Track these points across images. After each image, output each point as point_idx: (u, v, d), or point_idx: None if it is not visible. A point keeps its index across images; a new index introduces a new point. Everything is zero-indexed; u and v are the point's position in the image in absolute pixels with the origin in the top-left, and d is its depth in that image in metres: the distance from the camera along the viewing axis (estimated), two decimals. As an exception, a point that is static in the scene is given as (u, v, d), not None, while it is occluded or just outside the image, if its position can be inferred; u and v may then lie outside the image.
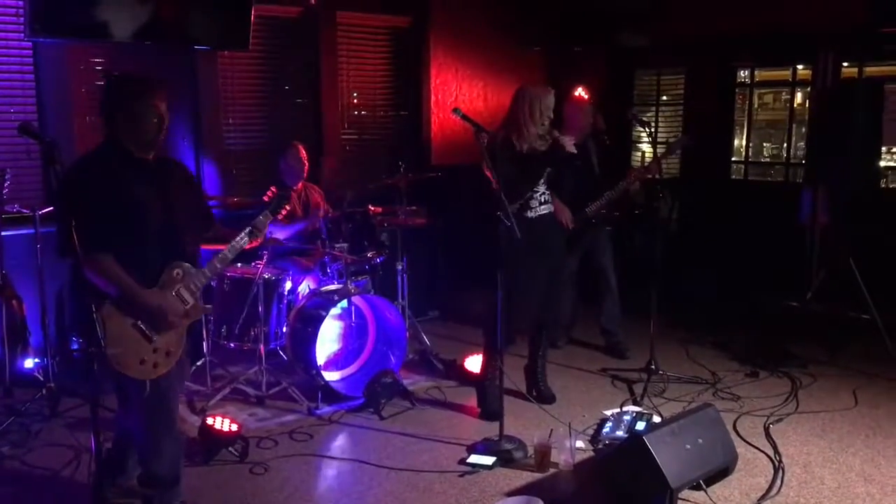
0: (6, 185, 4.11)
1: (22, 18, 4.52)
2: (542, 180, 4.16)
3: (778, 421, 4.19)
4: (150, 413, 2.90)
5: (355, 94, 6.35)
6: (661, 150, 5.15)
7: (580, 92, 5.25)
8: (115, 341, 2.74)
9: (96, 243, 2.68)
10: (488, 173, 3.82)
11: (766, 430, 4.07)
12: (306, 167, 5.09)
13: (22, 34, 4.57)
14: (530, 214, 4.13)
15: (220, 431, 3.70)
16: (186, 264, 2.92)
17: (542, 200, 4.21)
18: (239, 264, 4.72)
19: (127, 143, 2.83)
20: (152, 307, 2.79)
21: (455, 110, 3.80)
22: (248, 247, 3.20)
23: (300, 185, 5.10)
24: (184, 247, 2.94)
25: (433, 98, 6.66)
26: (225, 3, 5.14)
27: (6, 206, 4.18)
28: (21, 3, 4.51)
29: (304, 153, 5.07)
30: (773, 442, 3.91)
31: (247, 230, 3.13)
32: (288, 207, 3.36)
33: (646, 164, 5.44)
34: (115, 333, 2.74)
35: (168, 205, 2.88)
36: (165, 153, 3.06)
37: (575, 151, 4.12)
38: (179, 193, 2.96)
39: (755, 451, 3.84)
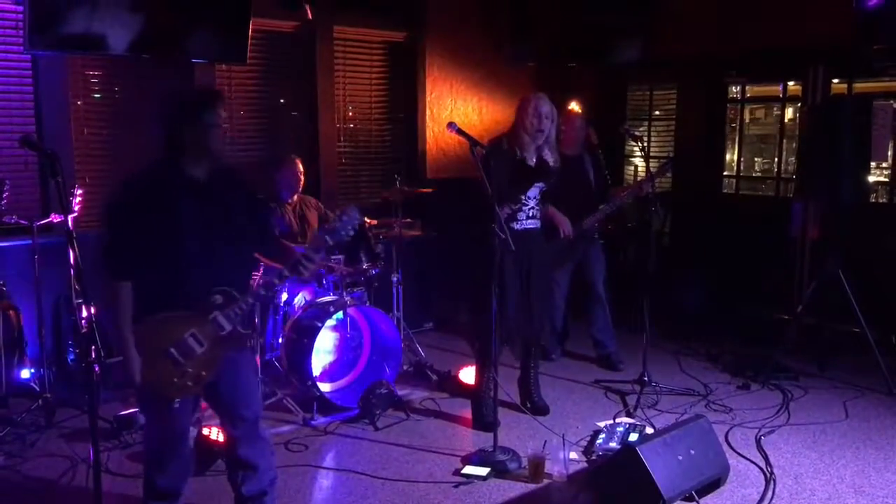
0: (5, 195, 4.14)
1: (21, 31, 4.57)
2: (530, 191, 4.20)
3: (769, 433, 4.23)
4: (160, 431, 2.92)
5: (351, 108, 6.40)
6: (653, 164, 5.20)
7: (573, 106, 5.32)
8: (145, 360, 2.75)
9: (116, 272, 2.72)
10: (483, 177, 3.86)
11: (758, 441, 4.11)
12: (302, 181, 5.11)
13: (21, 47, 4.62)
14: (516, 226, 4.17)
15: (216, 442, 3.71)
16: (229, 289, 2.83)
17: (531, 215, 4.26)
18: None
19: (186, 159, 2.77)
20: (121, 351, 2.73)
21: (451, 124, 3.86)
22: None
23: (295, 198, 5.13)
24: (230, 269, 2.84)
25: (428, 112, 6.71)
26: (223, 17, 5.19)
27: (4, 217, 4.20)
28: (21, 15, 4.55)
29: (300, 167, 5.09)
30: (765, 453, 3.95)
31: (299, 259, 2.91)
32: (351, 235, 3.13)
33: (639, 179, 5.51)
34: (145, 353, 2.75)
35: (215, 226, 2.81)
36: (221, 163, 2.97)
37: (552, 163, 4.19)
38: (233, 208, 2.86)
39: (747, 462, 3.87)
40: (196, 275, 2.77)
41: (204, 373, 2.83)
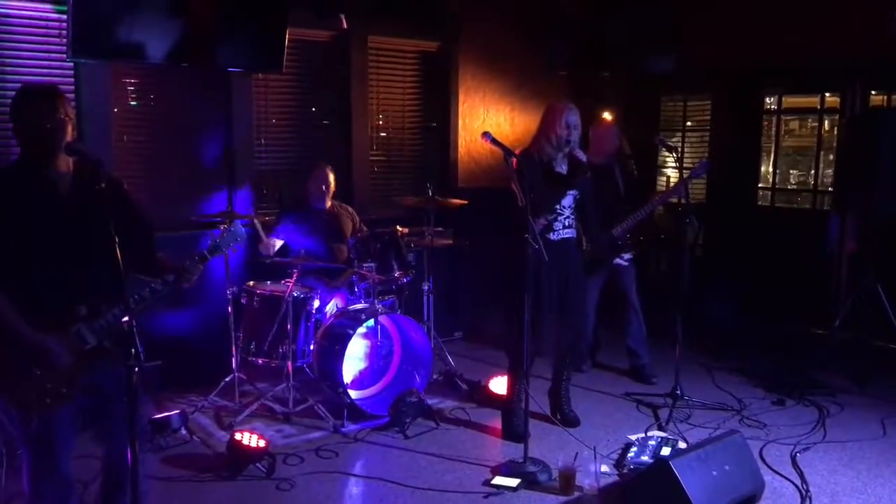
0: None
1: (64, 40, 4.67)
2: (565, 200, 4.19)
3: (805, 449, 4.16)
4: (33, 451, 2.66)
5: (380, 117, 6.43)
6: (686, 172, 5.15)
7: (605, 116, 5.29)
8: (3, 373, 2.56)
9: None
10: (515, 188, 3.86)
11: (793, 458, 4.04)
12: (332, 189, 5.12)
13: (64, 55, 4.72)
14: (553, 237, 4.16)
15: (248, 447, 3.75)
16: (99, 302, 2.63)
17: (566, 224, 4.24)
18: (269, 282, 4.80)
19: (32, 158, 2.65)
20: (34, 346, 2.54)
21: (485, 134, 3.86)
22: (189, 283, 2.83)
23: (328, 204, 5.15)
24: (99, 281, 2.60)
25: (460, 121, 6.73)
26: (260, 27, 5.25)
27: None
28: (64, 24, 4.66)
29: (330, 175, 5.09)
30: (801, 470, 3.89)
31: (172, 276, 2.78)
32: (235, 250, 3.01)
33: (670, 187, 5.47)
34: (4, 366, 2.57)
35: (80, 234, 2.63)
36: (111, 171, 2.87)
37: (584, 159, 4.18)
38: (106, 219, 2.45)
39: (782, 479, 3.81)
40: (56, 284, 2.60)
41: (65, 390, 2.61)
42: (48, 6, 4.77)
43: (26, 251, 2.58)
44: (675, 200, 5.37)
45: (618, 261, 5.00)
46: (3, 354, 2.56)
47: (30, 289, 2.59)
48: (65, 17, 4.64)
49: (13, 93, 4.55)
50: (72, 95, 4.94)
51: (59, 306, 2.61)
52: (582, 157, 4.18)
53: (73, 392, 2.63)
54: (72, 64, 4.85)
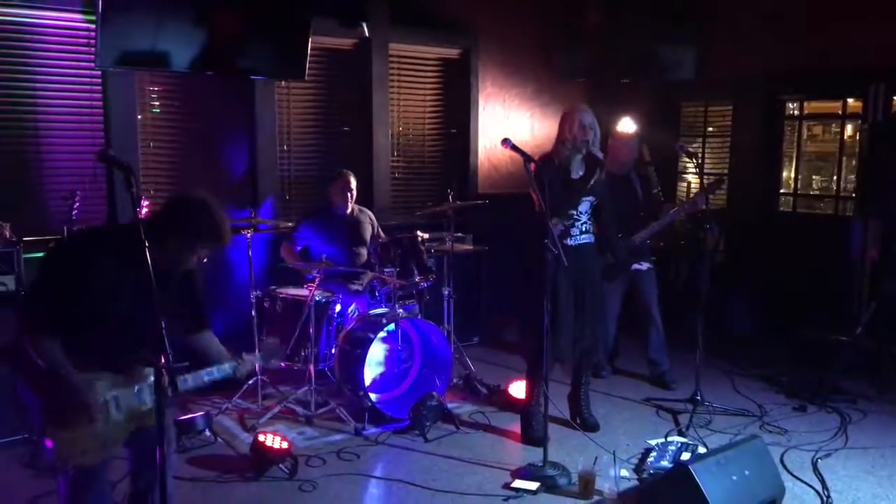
0: (76, 205, 4.32)
1: (93, 48, 4.78)
2: (581, 206, 4.21)
3: (826, 456, 4.14)
4: (74, 495, 2.71)
5: (401, 123, 6.49)
6: (706, 180, 5.14)
7: (625, 124, 5.30)
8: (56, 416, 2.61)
9: (45, 326, 2.57)
10: (534, 195, 3.89)
11: (814, 464, 4.03)
12: (354, 195, 5.18)
13: (92, 63, 4.83)
14: (570, 242, 4.18)
15: (272, 448, 3.81)
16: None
17: (584, 230, 4.26)
18: (291, 287, 4.86)
19: (153, 249, 2.54)
20: (80, 399, 2.59)
21: (506, 140, 3.88)
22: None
23: (349, 210, 5.21)
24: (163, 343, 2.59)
25: (480, 127, 6.77)
26: (283, 35, 5.34)
27: (75, 226, 4.38)
28: (93, 34, 4.76)
29: (352, 182, 5.13)
30: (822, 477, 3.87)
31: (227, 366, 2.93)
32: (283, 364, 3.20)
33: (692, 197, 5.46)
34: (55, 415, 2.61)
35: (151, 300, 2.50)
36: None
37: (601, 157, 4.19)
38: (175, 287, 2.67)
39: (803, 485, 3.80)
40: (129, 342, 2.67)
41: (108, 444, 2.68)
42: (77, 16, 4.88)
43: (95, 313, 2.62)
44: (695, 210, 5.35)
45: (636, 266, 4.99)
46: (57, 399, 2.60)
47: (91, 344, 2.64)
48: (93, 26, 4.75)
49: (43, 99, 4.66)
50: (99, 103, 5.06)
51: (128, 363, 2.70)
52: (599, 154, 4.19)
53: (113, 450, 2.68)
54: (99, 72, 4.96)
